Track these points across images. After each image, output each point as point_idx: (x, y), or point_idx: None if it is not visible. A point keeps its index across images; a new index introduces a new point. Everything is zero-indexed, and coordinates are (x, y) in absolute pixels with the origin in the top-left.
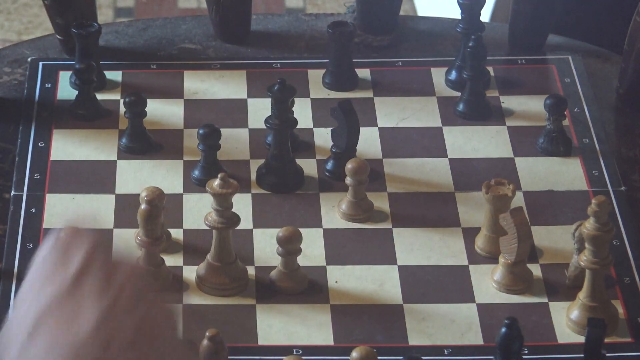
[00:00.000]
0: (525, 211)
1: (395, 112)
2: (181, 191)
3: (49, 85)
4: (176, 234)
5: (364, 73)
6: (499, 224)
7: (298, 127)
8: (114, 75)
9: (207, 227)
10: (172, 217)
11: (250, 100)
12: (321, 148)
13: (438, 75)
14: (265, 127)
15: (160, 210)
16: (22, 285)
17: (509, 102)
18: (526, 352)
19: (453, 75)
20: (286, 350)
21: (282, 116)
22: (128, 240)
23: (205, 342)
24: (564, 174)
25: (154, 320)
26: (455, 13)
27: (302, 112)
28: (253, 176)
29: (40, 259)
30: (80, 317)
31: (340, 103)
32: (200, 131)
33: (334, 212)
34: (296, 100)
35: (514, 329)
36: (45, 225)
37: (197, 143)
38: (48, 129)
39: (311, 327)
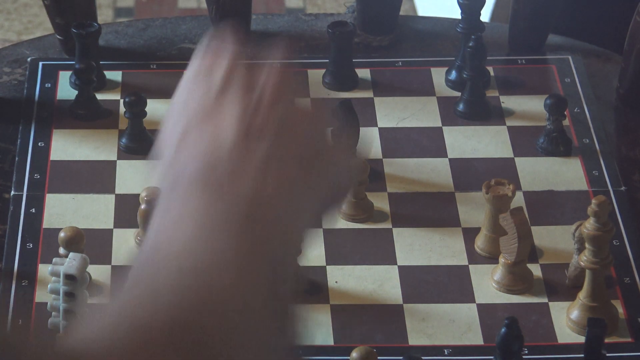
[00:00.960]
0: (525, 211)
1: (395, 112)
2: None
3: (49, 85)
4: None
5: (364, 73)
6: (499, 224)
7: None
8: (114, 75)
9: None
10: None
11: None
12: None
13: (438, 75)
14: None
15: None
16: (169, 108)
17: (509, 102)
18: (526, 352)
19: (453, 75)
20: None
21: None
22: (128, 240)
23: None
24: (564, 174)
25: (300, 114)
26: (455, 13)
27: None
28: None
29: (184, 79)
30: (224, 120)
31: (340, 103)
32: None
33: (334, 212)
34: (296, 100)
35: (514, 329)
36: (45, 225)
37: None
38: (48, 129)
39: (311, 327)
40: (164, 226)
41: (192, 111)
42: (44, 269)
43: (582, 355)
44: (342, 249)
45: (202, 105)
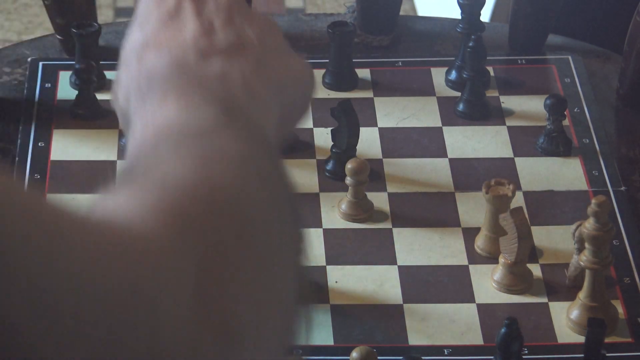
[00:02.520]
0: (525, 211)
1: (395, 112)
2: None
3: (49, 85)
4: None
5: (364, 73)
6: (499, 224)
7: (298, 127)
8: (114, 75)
9: None
10: None
11: None
12: (321, 148)
13: (438, 75)
14: None
15: None
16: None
17: (509, 102)
18: (526, 352)
19: (453, 75)
20: None
21: None
22: None
23: None
24: (564, 174)
25: (260, 26)
26: (455, 13)
27: None
28: None
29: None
30: (182, 30)
31: (340, 103)
32: None
33: (334, 212)
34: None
35: (514, 329)
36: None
37: None
38: (48, 129)
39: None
40: (152, 120)
41: (152, 26)
42: None
43: (582, 355)
44: (342, 249)
45: (159, 20)
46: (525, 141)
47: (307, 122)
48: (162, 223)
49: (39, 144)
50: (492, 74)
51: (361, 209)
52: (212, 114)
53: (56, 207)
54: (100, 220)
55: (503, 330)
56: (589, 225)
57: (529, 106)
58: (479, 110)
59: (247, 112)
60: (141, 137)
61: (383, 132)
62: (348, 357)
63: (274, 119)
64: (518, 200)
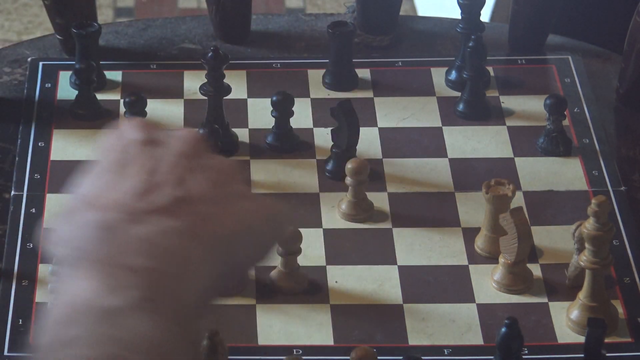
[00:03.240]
0: (525, 211)
1: (395, 112)
2: None
3: (49, 85)
4: None
5: (364, 73)
6: (499, 224)
7: (298, 127)
8: (114, 75)
9: None
10: None
11: (250, 100)
12: (321, 148)
13: (438, 75)
14: (265, 128)
15: None
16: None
17: (509, 102)
18: (526, 352)
19: (453, 75)
20: (286, 350)
21: (216, 84)
22: None
23: (205, 341)
24: (564, 174)
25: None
26: (455, 13)
27: (302, 112)
28: (253, 176)
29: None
30: (123, 186)
31: (340, 103)
32: (200, 131)
33: (334, 212)
34: (296, 100)
35: (514, 329)
36: (45, 225)
37: None
38: (48, 129)
39: (311, 327)
40: (74, 291)
41: (97, 180)
42: (44, 269)
43: (582, 355)
44: (342, 249)
45: (107, 172)
46: (525, 141)
47: (307, 122)
48: None
49: (39, 144)
50: (492, 74)
51: (361, 209)
52: (131, 294)
53: None
54: None
55: (503, 330)
56: (589, 225)
57: (529, 106)
58: (479, 110)
59: (169, 284)
60: (58, 312)
61: (383, 132)
62: (348, 357)
63: (207, 272)
64: (518, 200)
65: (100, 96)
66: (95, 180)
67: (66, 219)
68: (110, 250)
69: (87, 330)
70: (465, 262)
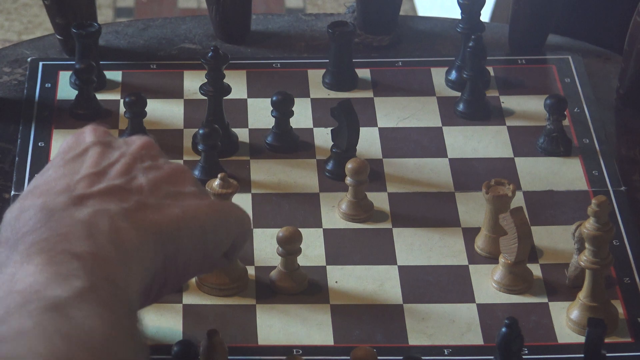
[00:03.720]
0: (525, 211)
1: (395, 112)
2: None
3: (49, 85)
4: None
5: (364, 73)
6: (499, 224)
7: (298, 127)
8: (114, 75)
9: None
10: None
11: (250, 100)
12: (321, 148)
13: (438, 75)
14: (265, 128)
15: None
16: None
17: (509, 102)
18: (526, 352)
19: (453, 75)
20: (286, 350)
21: (216, 84)
22: None
23: (205, 341)
24: (564, 174)
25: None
26: (455, 13)
27: (302, 112)
28: (253, 176)
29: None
30: (73, 174)
31: (340, 103)
32: (200, 131)
33: (334, 212)
34: (296, 100)
35: (514, 329)
36: None
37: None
38: (48, 129)
39: (311, 327)
40: (17, 278)
41: (51, 170)
42: None
43: (582, 355)
44: (342, 249)
45: (63, 162)
46: (525, 141)
47: (307, 122)
48: None
49: (39, 144)
50: (492, 74)
51: (361, 209)
52: (75, 284)
53: None
54: None
55: (503, 330)
56: (589, 225)
57: (529, 106)
58: (479, 110)
59: (111, 269)
60: (3, 299)
61: (383, 132)
62: (348, 357)
63: (149, 260)
64: (518, 200)
65: (100, 96)
66: (49, 172)
67: (15, 205)
68: (51, 233)
69: (35, 323)
70: (465, 262)
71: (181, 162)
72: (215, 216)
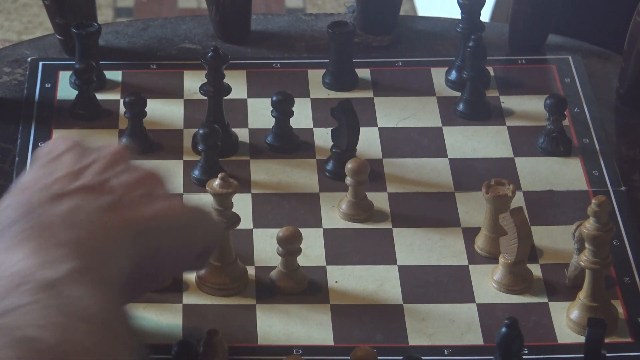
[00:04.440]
0: (525, 211)
1: (395, 112)
2: (181, 191)
3: (49, 85)
4: None
5: (364, 73)
6: (499, 224)
7: (298, 127)
8: (114, 75)
9: None
10: None
11: (250, 100)
12: (321, 148)
13: (438, 75)
14: (265, 128)
15: None
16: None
17: (509, 102)
18: (526, 352)
19: (453, 75)
20: (286, 350)
21: (216, 84)
22: None
23: (205, 341)
24: (564, 174)
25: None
26: (455, 13)
27: (302, 112)
28: (253, 176)
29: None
30: (51, 174)
31: (340, 103)
32: (200, 131)
33: (334, 212)
34: (296, 100)
35: (514, 329)
36: None
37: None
38: (48, 129)
39: (311, 327)
40: (5, 265)
41: (32, 171)
42: None
43: (582, 355)
44: (342, 249)
45: (42, 164)
46: (525, 141)
47: (307, 122)
48: None
49: (39, 144)
50: (492, 74)
51: (361, 209)
52: (64, 267)
53: None
54: None
55: (503, 330)
56: (589, 225)
57: (529, 106)
58: (479, 110)
59: (95, 255)
60: None
61: (383, 132)
62: (348, 357)
63: (124, 257)
64: (518, 200)
65: (100, 96)
66: (27, 175)
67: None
68: (34, 223)
69: (29, 301)
70: (465, 262)
71: (180, 162)
72: (188, 216)
